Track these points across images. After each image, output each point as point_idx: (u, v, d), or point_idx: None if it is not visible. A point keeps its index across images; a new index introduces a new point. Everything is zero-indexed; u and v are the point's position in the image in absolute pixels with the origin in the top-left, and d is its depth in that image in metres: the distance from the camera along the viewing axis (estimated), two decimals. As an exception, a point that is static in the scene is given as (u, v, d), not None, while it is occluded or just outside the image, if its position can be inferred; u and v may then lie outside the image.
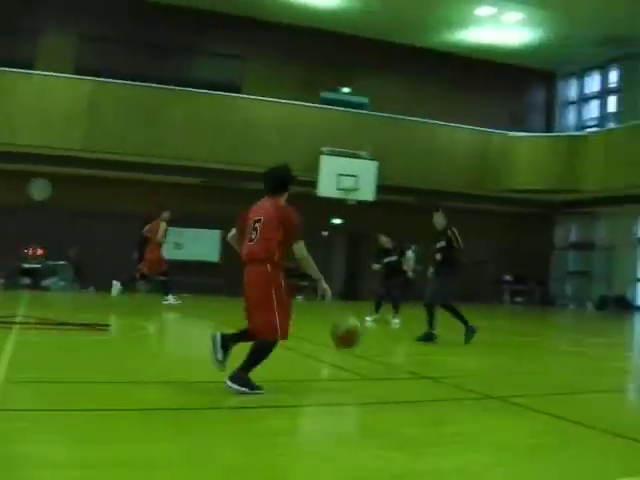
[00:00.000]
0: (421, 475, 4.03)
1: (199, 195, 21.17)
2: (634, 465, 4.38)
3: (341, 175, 20.10)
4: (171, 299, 15.88)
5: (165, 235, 15.97)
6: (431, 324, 10.81)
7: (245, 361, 5.90)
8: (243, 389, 5.81)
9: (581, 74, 26.97)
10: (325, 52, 22.98)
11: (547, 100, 27.70)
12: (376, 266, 14.50)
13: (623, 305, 23.10)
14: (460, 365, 9.06)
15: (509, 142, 23.34)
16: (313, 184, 19.76)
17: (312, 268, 6.20)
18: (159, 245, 15.97)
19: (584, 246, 25.52)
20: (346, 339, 6.60)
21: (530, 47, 24.02)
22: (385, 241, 14.59)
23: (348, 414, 5.95)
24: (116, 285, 16.27)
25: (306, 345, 9.62)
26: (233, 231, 6.50)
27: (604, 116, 25.97)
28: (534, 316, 20.85)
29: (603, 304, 22.77)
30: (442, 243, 10.80)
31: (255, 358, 5.91)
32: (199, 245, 21.42)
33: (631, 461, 4.49)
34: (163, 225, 15.84)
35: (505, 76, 25.75)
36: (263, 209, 6.16)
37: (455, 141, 22.76)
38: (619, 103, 25.32)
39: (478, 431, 5.22)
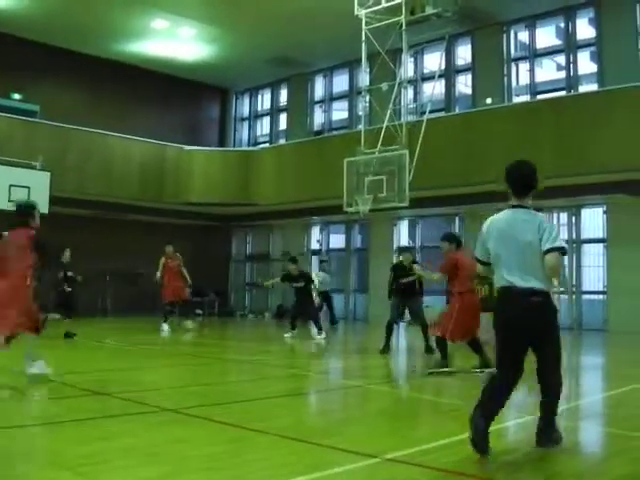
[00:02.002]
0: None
1: None
2: (306, 464, 4.62)
3: (13, 186, 18.85)
4: (165, 328, 16.35)
5: (162, 268, 17.08)
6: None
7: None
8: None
9: (254, 91, 28.11)
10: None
11: (222, 115, 28.47)
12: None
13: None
14: (136, 379, 8.97)
15: (185, 156, 23.57)
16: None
17: None
18: (163, 277, 17.09)
19: (260, 257, 26.45)
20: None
21: (205, 63, 24.48)
22: (292, 268, 15.77)
23: (18, 435, 5.64)
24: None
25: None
26: None
27: (275, 133, 27.30)
28: (213, 327, 21.20)
29: (280, 313, 23.71)
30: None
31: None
32: None
33: (303, 461, 4.73)
34: (162, 260, 17.21)
35: (182, 90, 26.02)
36: None
37: (131, 153, 22.36)
38: (288, 120, 26.74)
39: (154, 444, 5.19)
